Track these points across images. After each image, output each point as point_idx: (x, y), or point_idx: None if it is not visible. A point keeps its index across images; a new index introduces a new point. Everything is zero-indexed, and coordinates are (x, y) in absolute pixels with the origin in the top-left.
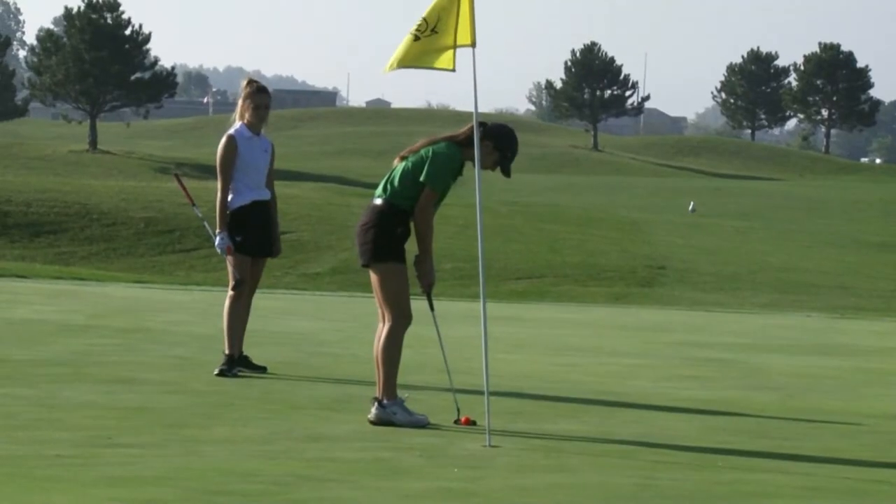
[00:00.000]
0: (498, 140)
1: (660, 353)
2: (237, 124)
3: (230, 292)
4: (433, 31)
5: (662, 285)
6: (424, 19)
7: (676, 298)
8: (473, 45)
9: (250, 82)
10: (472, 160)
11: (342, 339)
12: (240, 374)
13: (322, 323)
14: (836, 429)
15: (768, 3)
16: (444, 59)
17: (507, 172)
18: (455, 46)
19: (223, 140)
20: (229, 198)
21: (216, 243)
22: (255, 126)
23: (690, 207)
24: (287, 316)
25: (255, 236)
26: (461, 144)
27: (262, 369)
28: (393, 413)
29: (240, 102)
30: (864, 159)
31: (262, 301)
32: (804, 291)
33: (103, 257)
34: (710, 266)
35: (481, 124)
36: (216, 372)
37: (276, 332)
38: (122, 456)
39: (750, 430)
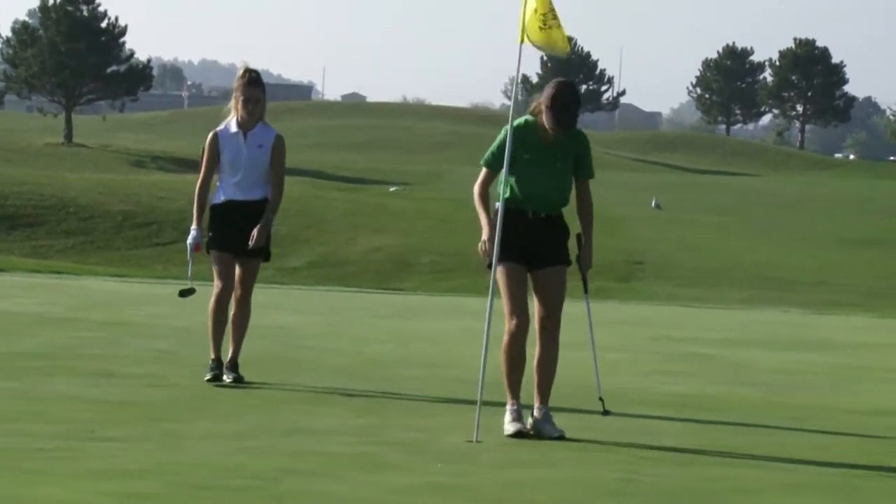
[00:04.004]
0: (543, 97)
1: (640, 347)
2: (230, 118)
3: (214, 292)
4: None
5: (640, 280)
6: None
7: (654, 293)
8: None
9: (244, 73)
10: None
11: (324, 333)
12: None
13: (302, 317)
14: (819, 425)
15: None
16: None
17: (561, 126)
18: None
19: (208, 136)
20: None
21: (190, 244)
22: (244, 121)
23: (653, 203)
24: (267, 310)
25: (226, 234)
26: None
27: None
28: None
29: (234, 94)
30: (838, 155)
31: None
32: (782, 287)
33: (80, 250)
34: (688, 261)
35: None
36: (207, 379)
37: (257, 326)
38: (105, 449)
39: (733, 426)
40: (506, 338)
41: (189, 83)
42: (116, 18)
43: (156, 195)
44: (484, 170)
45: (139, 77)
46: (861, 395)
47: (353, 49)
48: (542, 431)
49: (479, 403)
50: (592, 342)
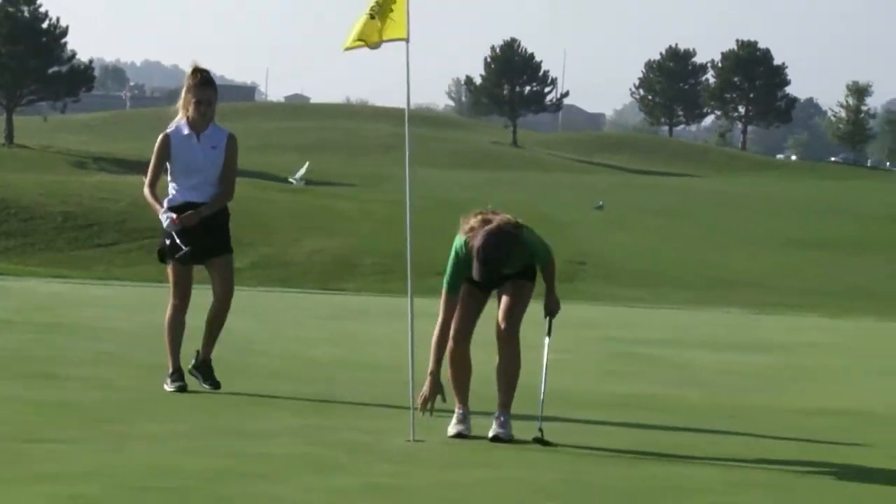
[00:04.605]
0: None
1: (583, 348)
2: (178, 119)
3: (170, 304)
4: (382, 9)
5: (583, 281)
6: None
7: (597, 294)
8: (407, 39)
9: (195, 72)
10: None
11: (266, 334)
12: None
13: (245, 319)
14: (759, 424)
15: (686, 1)
16: (397, 29)
17: (483, 281)
18: (385, 39)
19: (158, 138)
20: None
21: (165, 224)
22: (196, 123)
23: (598, 205)
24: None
25: (185, 241)
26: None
27: (183, 388)
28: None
29: (182, 94)
30: (780, 156)
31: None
32: (724, 287)
33: (21, 252)
34: (631, 262)
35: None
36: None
37: (200, 327)
38: (46, 452)
39: (676, 426)
40: (448, 348)
41: (131, 84)
42: (58, 19)
43: (97, 196)
44: (445, 298)
45: (81, 78)
46: (801, 394)
47: (295, 50)
48: (496, 435)
49: (412, 402)
50: (545, 372)
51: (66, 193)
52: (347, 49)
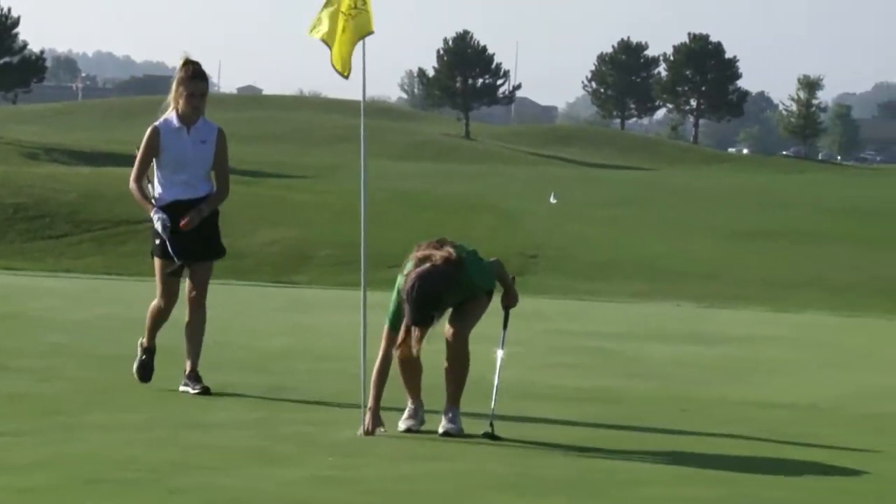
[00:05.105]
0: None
1: (533, 341)
2: (168, 112)
3: (157, 301)
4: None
5: (535, 273)
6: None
7: (549, 287)
8: (372, 31)
9: (186, 65)
10: None
11: (219, 326)
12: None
13: None
14: (710, 417)
15: None
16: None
17: (414, 323)
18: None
19: (147, 131)
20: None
21: (159, 228)
22: (187, 116)
23: (552, 198)
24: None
25: (175, 240)
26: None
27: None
28: None
29: (173, 87)
30: (731, 149)
31: (133, 289)
32: (675, 280)
33: None
34: (583, 254)
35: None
36: (136, 366)
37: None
38: None
39: (626, 419)
40: (398, 355)
41: (83, 75)
42: (9, 9)
43: (49, 187)
44: (387, 332)
45: (32, 68)
46: (751, 387)
47: (248, 41)
48: (446, 430)
49: (363, 397)
50: (498, 370)
51: (17, 185)
52: (310, 37)
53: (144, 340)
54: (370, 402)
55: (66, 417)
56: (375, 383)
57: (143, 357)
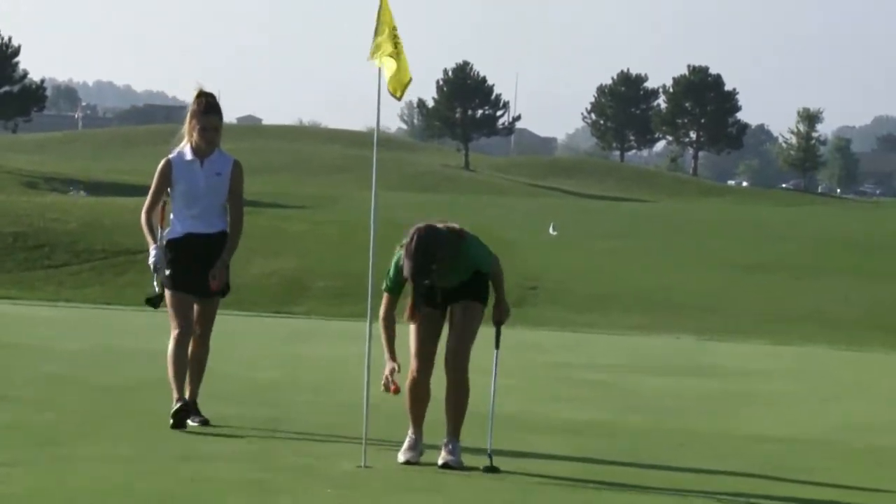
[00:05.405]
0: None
1: (532, 373)
2: (183, 144)
3: (173, 334)
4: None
5: (534, 305)
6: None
7: (548, 319)
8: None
9: (199, 97)
10: None
11: (216, 357)
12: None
13: None
14: (709, 451)
15: (638, 26)
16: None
17: (412, 277)
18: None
19: (160, 163)
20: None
21: (150, 262)
22: (201, 149)
23: (551, 229)
24: (160, 334)
25: (187, 272)
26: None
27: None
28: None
29: (187, 119)
30: (730, 182)
31: (132, 319)
32: (674, 312)
33: None
34: (582, 286)
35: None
36: (172, 423)
37: (147, 350)
38: None
39: (624, 452)
40: (409, 378)
41: (83, 104)
42: (10, 38)
43: (48, 217)
44: (385, 296)
45: (32, 97)
46: (748, 420)
47: (248, 72)
48: (446, 462)
49: (364, 429)
50: (493, 398)
51: (16, 214)
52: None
53: (175, 395)
54: (386, 353)
55: (62, 448)
56: (385, 336)
57: (179, 405)
